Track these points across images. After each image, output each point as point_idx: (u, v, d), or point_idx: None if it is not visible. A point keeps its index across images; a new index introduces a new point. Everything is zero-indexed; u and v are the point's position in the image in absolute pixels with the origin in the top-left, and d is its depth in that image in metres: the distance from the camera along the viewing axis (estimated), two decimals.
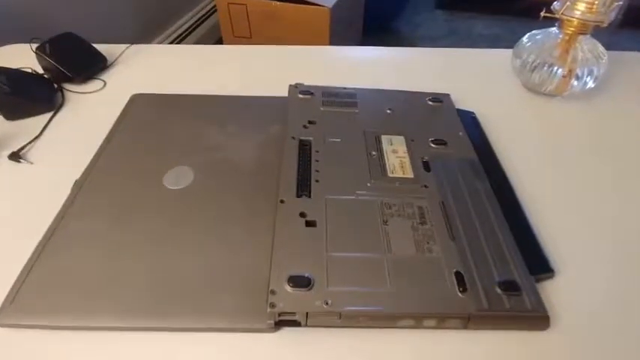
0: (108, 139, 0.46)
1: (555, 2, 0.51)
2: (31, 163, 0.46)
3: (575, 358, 0.30)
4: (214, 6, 1.57)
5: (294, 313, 0.30)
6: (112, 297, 0.32)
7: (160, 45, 0.69)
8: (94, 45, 0.61)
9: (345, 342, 0.31)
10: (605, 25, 0.49)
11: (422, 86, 0.53)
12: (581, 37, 0.51)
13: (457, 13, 2.24)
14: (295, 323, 0.31)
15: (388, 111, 0.49)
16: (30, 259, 0.34)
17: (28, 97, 0.51)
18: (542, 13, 0.51)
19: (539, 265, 0.35)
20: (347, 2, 1.34)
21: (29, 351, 0.30)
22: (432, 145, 0.44)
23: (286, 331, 0.31)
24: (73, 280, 0.33)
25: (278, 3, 1.21)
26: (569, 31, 0.51)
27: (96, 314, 0.31)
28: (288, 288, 0.31)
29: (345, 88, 0.52)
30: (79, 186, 0.41)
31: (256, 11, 1.24)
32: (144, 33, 1.38)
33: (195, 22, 1.70)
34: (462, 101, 0.52)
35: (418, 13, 2.24)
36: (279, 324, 0.31)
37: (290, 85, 0.51)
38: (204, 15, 1.74)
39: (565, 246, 0.37)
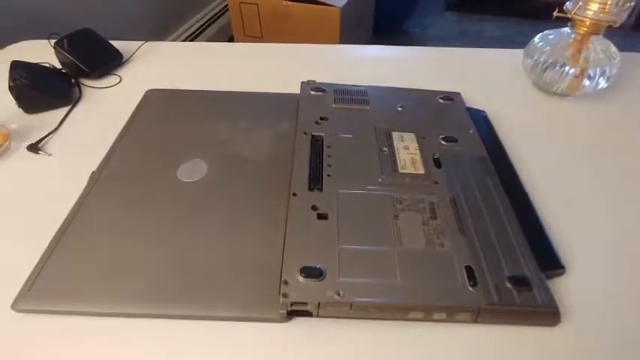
0: (123, 133, 0.47)
1: (568, 2, 0.51)
2: (50, 155, 0.47)
3: (584, 355, 0.31)
4: (226, 5, 1.58)
5: (305, 303, 0.30)
6: (127, 284, 0.33)
7: (174, 42, 0.70)
8: (110, 41, 0.62)
9: (356, 333, 0.31)
10: (617, 25, 0.49)
11: (432, 85, 0.53)
12: (593, 37, 0.51)
13: (467, 15, 2.24)
14: (307, 313, 0.31)
15: (399, 108, 0.49)
16: (48, 247, 0.35)
17: (47, 91, 0.53)
18: (555, 13, 0.51)
19: (550, 262, 0.35)
20: (357, 3, 1.35)
21: (47, 336, 0.31)
22: (443, 142, 0.45)
23: (298, 322, 0.32)
24: (90, 267, 0.34)
25: (289, 3, 1.22)
26: (581, 31, 0.51)
27: (111, 301, 0.32)
28: (301, 278, 0.31)
29: (356, 86, 0.52)
30: (95, 177, 0.42)
31: (267, 11, 1.25)
32: (157, 31, 1.40)
33: (207, 21, 1.72)
34: (473, 100, 0.52)
35: (428, 15, 2.24)
36: (291, 314, 0.31)
37: (302, 82, 0.52)
38: (215, 14, 1.76)
39: (576, 243, 0.37)
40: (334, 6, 1.21)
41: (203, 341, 0.31)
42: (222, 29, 1.74)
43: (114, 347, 0.30)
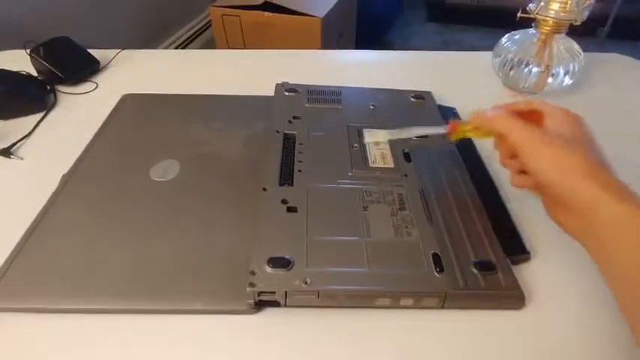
0: (97, 136, 0.47)
1: (531, 3, 0.53)
2: (22, 159, 0.46)
3: (549, 339, 0.31)
4: (209, 21, 1.61)
5: (273, 292, 0.31)
6: (95, 281, 0.33)
7: (151, 50, 0.70)
8: (88, 50, 0.62)
9: (326, 322, 0.31)
10: (578, 23, 0.51)
11: (406, 86, 0.54)
12: (556, 35, 0.53)
13: (449, 26, 2.30)
14: (275, 304, 0.31)
15: (371, 107, 0.50)
16: (16, 247, 0.35)
17: (20, 96, 0.53)
18: (519, 14, 0.53)
19: (515, 247, 0.36)
20: (339, 13, 1.38)
21: (13, 334, 0.31)
22: (413, 137, 0.45)
23: (267, 312, 0.32)
24: (58, 265, 0.34)
25: (270, 13, 1.24)
26: (545, 30, 0.53)
27: (79, 297, 0.32)
28: (268, 269, 0.31)
29: (329, 87, 0.53)
30: (66, 179, 0.41)
31: (249, 22, 1.27)
32: (141, 46, 1.41)
33: (191, 35, 1.74)
34: (445, 99, 0.54)
35: (410, 26, 2.29)
36: (260, 304, 0.31)
37: (277, 84, 0.53)
38: (199, 29, 1.78)
39: (541, 232, 0.38)
40: (315, 16, 1.23)
41: (172, 335, 0.31)
42: (205, 44, 1.76)
43: (81, 343, 0.30)
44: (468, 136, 0.36)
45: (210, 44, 1.71)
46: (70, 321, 0.31)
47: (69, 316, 0.31)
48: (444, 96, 0.54)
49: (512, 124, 0.31)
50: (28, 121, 0.52)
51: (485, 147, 0.48)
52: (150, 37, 1.48)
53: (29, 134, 0.50)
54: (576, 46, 0.54)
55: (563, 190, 0.28)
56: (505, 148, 0.35)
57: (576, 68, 0.54)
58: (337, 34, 1.44)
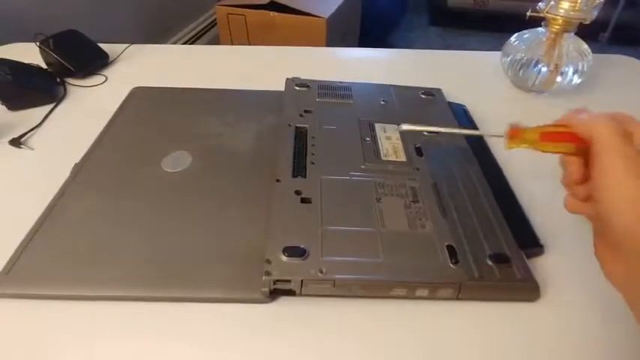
0: (108, 128, 0.47)
1: (540, 2, 0.54)
2: (32, 149, 0.46)
3: (564, 332, 0.31)
4: (214, 20, 1.61)
5: (289, 281, 0.30)
6: (109, 268, 0.33)
7: (160, 45, 0.71)
8: (97, 44, 0.62)
9: (340, 312, 0.31)
10: (588, 22, 0.51)
11: (414, 84, 0.54)
12: (566, 34, 0.53)
13: (451, 30, 2.31)
14: (290, 292, 0.31)
15: (382, 102, 0.50)
16: (27, 234, 0.35)
17: (30, 88, 0.53)
18: (529, 13, 0.54)
19: (529, 241, 0.36)
20: (344, 14, 1.38)
21: (25, 320, 0.30)
22: (424, 133, 0.46)
23: (282, 301, 0.32)
24: (70, 252, 0.34)
25: (276, 13, 1.25)
26: (554, 29, 0.53)
27: (92, 284, 0.32)
28: (284, 257, 0.31)
29: (340, 82, 0.53)
30: (78, 168, 0.41)
31: (254, 21, 1.27)
32: (146, 44, 1.41)
33: (196, 34, 1.74)
34: (454, 97, 0.54)
35: (413, 30, 2.30)
36: (275, 293, 0.31)
37: (287, 79, 0.53)
38: (204, 28, 1.79)
39: (554, 225, 0.38)
40: (320, 17, 1.24)
41: (186, 324, 0.30)
42: (211, 41, 1.76)
43: (94, 330, 0.30)
44: (532, 147, 0.28)
45: (215, 43, 1.71)
46: (83, 307, 0.31)
47: (82, 304, 0.31)
48: (453, 94, 0.54)
49: (612, 140, 0.24)
50: (38, 112, 0.52)
51: (496, 143, 0.48)
52: (155, 35, 1.48)
53: (39, 125, 0.50)
54: (585, 46, 0.55)
55: (634, 241, 0.23)
56: (577, 168, 0.27)
57: (585, 67, 0.54)
58: (341, 35, 1.45)
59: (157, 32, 1.48)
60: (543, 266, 0.35)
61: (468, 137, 0.46)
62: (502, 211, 0.37)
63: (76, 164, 0.42)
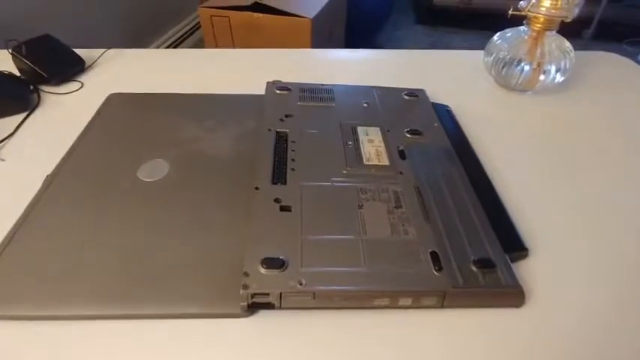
0: (82, 136, 0.46)
1: (522, 1, 0.53)
2: (3, 160, 0.45)
3: (549, 336, 0.30)
4: (198, 22, 1.59)
5: (267, 294, 0.29)
6: (81, 286, 0.31)
7: (138, 49, 0.69)
8: (74, 49, 0.60)
9: (322, 324, 0.30)
10: (569, 20, 0.51)
11: (398, 84, 0.54)
12: (548, 33, 0.53)
13: (438, 28, 2.32)
14: (270, 306, 0.30)
15: (364, 104, 0.49)
16: None
17: (2, 96, 0.51)
18: (510, 11, 0.53)
19: (513, 244, 0.35)
20: (329, 14, 1.38)
21: None
22: (408, 135, 0.45)
23: (261, 315, 0.31)
24: (41, 269, 0.32)
25: (260, 14, 1.23)
26: (536, 28, 0.53)
27: (64, 303, 0.30)
28: (262, 270, 0.30)
29: (322, 85, 0.52)
30: (50, 179, 0.40)
31: (238, 23, 1.26)
32: (128, 48, 1.39)
33: (180, 37, 1.72)
34: (437, 97, 0.53)
35: (399, 29, 2.31)
36: (254, 306, 0.30)
37: (268, 82, 0.52)
38: (188, 31, 1.77)
39: (539, 228, 0.38)
40: (305, 17, 1.23)
41: (162, 341, 0.29)
42: (196, 44, 1.74)
43: (64, 352, 0.29)
44: None
45: (200, 45, 1.69)
46: (52, 328, 0.30)
47: (51, 324, 0.30)
48: (436, 94, 0.54)
49: None
50: (11, 121, 0.50)
51: (480, 144, 0.47)
52: (139, 39, 1.46)
53: (11, 135, 0.48)
54: (567, 44, 0.54)
55: None
56: None
57: (567, 65, 0.54)
58: (327, 35, 1.44)
59: (140, 36, 1.46)
60: (527, 270, 0.34)
61: (451, 138, 0.45)
62: (486, 214, 0.36)
63: (48, 175, 0.41)
